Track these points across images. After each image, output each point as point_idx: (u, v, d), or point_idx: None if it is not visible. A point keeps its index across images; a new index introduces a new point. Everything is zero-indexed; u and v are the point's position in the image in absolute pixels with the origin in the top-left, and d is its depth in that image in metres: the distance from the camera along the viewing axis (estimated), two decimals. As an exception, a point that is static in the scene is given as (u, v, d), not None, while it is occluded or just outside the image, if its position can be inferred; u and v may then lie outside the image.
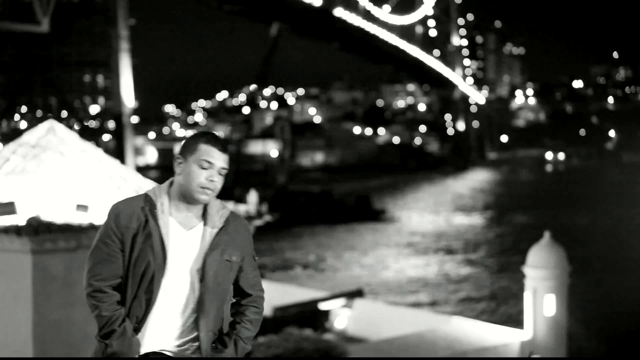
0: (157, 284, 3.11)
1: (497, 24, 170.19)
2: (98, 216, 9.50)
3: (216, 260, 3.16)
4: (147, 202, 3.18)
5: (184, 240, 3.17)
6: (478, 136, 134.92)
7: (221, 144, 3.18)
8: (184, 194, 3.17)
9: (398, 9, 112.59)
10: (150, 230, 3.12)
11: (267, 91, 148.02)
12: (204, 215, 3.22)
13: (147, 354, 3.15)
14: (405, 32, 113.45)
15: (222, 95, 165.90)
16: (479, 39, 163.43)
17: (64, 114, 53.48)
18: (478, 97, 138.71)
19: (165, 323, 3.15)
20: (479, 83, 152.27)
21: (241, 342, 3.28)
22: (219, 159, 3.15)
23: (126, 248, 3.13)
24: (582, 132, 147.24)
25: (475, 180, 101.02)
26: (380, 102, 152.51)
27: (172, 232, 3.15)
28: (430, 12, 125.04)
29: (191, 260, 3.16)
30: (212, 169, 3.14)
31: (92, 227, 9.29)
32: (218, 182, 3.16)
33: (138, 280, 3.12)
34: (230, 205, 12.49)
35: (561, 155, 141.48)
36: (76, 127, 50.67)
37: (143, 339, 3.15)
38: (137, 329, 3.13)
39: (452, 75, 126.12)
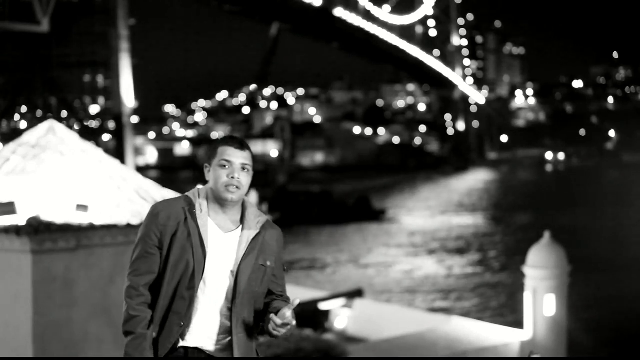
0: (198, 281, 3.21)
1: (497, 24, 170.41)
2: (98, 216, 9.51)
3: (251, 264, 3.27)
4: (186, 203, 3.30)
5: (222, 242, 3.28)
6: (478, 136, 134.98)
7: (238, 142, 3.30)
8: (216, 197, 3.29)
9: (398, 9, 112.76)
10: (189, 229, 3.23)
11: (267, 91, 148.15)
12: (242, 220, 3.33)
13: (186, 349, 3.25)
14: (405, 32, 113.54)
15: (222, 95, 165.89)
16: (479, 39, 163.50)
17: (64, 114, 53.45)
18: (478, 97, 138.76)
19: (204, 321, 3.26)
20: (479, 83, 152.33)
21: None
22: (237, 156, 3.26)
23: (164, 246, 3.26)
24: (582, 132, 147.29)
25: (475, 180, 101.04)
26: (380, 102, 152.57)
27: (210, 232, 3.26)
28: (430, 12, 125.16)
29: (228, 262, 3.27)
30: (232, 167, 3.25)
31: (92, 227, 9.30)
32: (242, 179, 3.27)
33: (179, 278, 3.22)
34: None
35: (561, 155, 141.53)
36: (76, 127, 50.67)
37: (187, 334, 3.25)
38: (182, 325, 3.23)
39: (452, 75, 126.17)
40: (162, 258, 3.26)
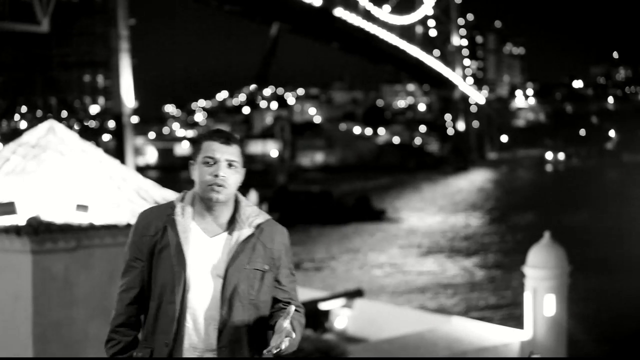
0: (178, 294, 2.91)
1: (497, 24, 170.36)
2: (98, 216, 9.51)
3: (240, 268, 2.94)
4: (169, 208, 3.02)
5: (207, 247, 2.97)
6: (478, 136, 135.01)
7: (224, 137, 2.98)
8: (201, 198, 2.98)
9: (398, 9, 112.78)
10: (168, 237, 2.96)
11: (267, 91, 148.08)
12: (233, 222, 3.01)
13: None
14: (405, 32, 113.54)
15: (222, 95, 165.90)
16: (479, 39, 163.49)
17: (64, 114, 53.50)
18: (478, 97, 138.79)
19: (193, 335, 2.94)
20: (479, 83, 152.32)
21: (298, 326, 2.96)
22: (222, 152, 2.94)
23: (144, 257, 3.00)
24: (582, 132, 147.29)
25: (475, 180, 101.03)
26: (380, 102, 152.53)
27: (192, 238, 2.96)
28: (430, 12, 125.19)
29: (214, 268, 2.95)
30: (216, 164, 2.94)
31: (92, 227, 9.30)
32: (228, 177, 2.94)
33: (160, 292, 2.95)
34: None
35: (561, 155, 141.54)
36: (76, 127, 50.70)
37: (176, 354, 2.94)
38: (167, 345, 2.93)
39: (452, 75, 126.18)
40: (146, 271, 3.00)
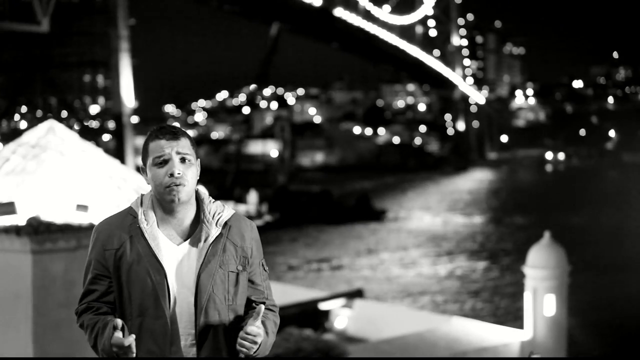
0: (165, 306, 2.68)
1: (497, 24, 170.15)
2: (98, 216, 9.50)
3: (212, 273, 2.71)
4: (130, 217, 2.79)
5: (176, 255, 2.73)
6: (478, 136, 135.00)
7: (169, 132, 2.74)
8: (160, 203, 2.75)
9: (398, 9, 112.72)
10: (138, 248, 2.71)
11: (267, 91, 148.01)
12: (198, 223, 2.78)
13: None
14: (405, 32, 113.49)
15: (222, 95, 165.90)
16: (479, 39, 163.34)
17: (64, 114, 53.55)
18: (478, 97, 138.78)
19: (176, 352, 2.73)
20: (479, 83, 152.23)
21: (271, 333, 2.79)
22: (171, 147, 2.71)
23: (112, 273, 2.76)
24: (582, 132, 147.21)
25: (476, 180, 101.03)
26: (380, 102, 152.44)
27: (163, 246, 2.73)
28: (430, 12, 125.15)
29: (186, 278, 2.72)
30: (169, 162, 2.71)
31: (92, 227, 9.29)
32: (184, 173, 2.71)
33: (138, 309, 2.70)
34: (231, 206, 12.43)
35: (561, 155, 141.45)
36: (76, 127, 50.72)
37: None
38: None
39: (452, 75, 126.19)
40: (115, 289, 2.76)
